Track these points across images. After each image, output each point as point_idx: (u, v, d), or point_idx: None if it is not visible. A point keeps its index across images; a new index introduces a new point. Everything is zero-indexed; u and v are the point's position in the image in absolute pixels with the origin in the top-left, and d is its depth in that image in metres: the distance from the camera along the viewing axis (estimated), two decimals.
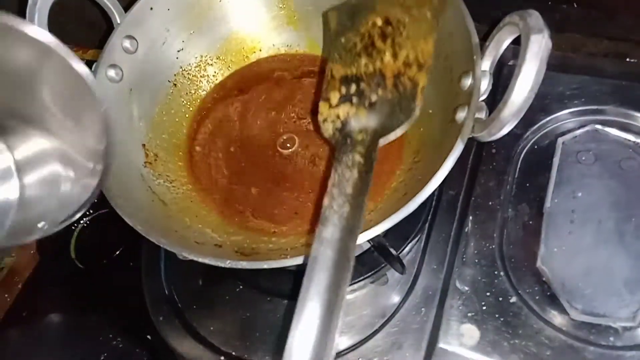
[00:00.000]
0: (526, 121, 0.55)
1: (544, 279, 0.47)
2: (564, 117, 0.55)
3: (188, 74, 0.55)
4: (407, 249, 0.52)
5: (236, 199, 0.50)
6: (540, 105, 0.55)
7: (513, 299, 0.47)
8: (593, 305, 0.45)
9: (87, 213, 0.67)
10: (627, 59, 0.60)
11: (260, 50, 0.57)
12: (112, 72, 0.48)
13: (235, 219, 0.48)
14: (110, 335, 0.57)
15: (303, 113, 0.54)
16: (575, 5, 0.63)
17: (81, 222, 0.67)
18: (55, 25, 0.46)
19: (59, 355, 0.57)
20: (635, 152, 0.51)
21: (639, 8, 0.60)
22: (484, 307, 0.47)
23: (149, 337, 0.57)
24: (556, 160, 0.52)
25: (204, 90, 0.55)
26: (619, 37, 0.62)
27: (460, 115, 0.41)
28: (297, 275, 0.53)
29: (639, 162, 0.50)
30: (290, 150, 0.52)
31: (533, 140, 0.55)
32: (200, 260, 0.38)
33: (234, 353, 0.50)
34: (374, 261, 0.51)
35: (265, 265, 0.38)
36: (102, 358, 0.56)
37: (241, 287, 0.53)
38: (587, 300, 0.45)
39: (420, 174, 0.43)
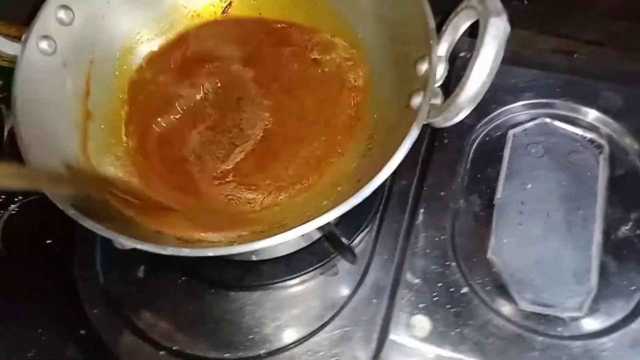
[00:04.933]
0: (478, 113, 0.54)
1: (494, 269, 0.47)
2: (514, 110, 0.55)
3: (130, 48, 0.51)
4: (357, 239, 0.51)
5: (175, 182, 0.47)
6: (492, 97, 0.55)
7: (464, 290, 0.47)
8: (542, 295, 0.45)
9: (16, 199, 0.62)
10: (575, 56, 0.61)
11: None
12: (44, 44, 0.44)
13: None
14: (40, 330, 0.52)
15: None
16: (526, 2, 0.64)
17: (9, 209, 0.62)
18: None
19: None
20: (582, 146, 0.52)
21: (587, 8, 0.62)
22: (435, 298, 0.46)
23: (82, 332, 0.53)
24: (507, 152, 0.52)
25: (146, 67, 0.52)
26: (567, 36, 0.63)
27: (416, 100, 0.40)
28: (243, 266, 0.50)
29: (586, 155, 0.51)
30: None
31: (484, 132, 0.55)
32: (139, 247, 0.35)
33: (174, 347, 0.47)
34: (324, 251, 0.50)
35: (211, 252, 0.35)
36: (29, 355, 0.51)
37: (183, 278, 0.50)
38: (536, 290, 0.45)
39: (374, 161, 0.42)
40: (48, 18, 0.44)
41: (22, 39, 0.43)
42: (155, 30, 0.53)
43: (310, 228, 0.36)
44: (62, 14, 0.45)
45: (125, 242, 0.36)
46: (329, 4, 0.51)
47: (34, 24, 0.44)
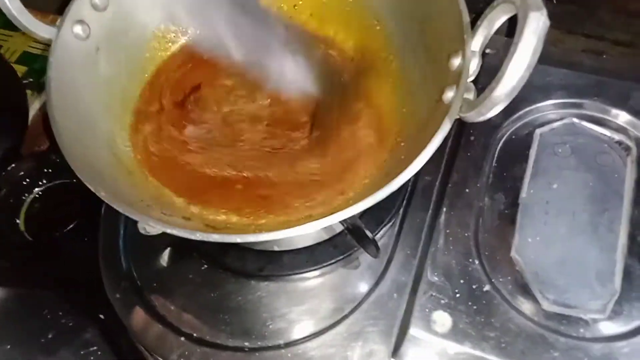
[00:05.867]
0: (505, 110, 0.53)
1: (517, 268, 0.47)
2: (542, 109, 0.55)
3: (163, 37, 0.51)
4: (380, 233, 0.50)
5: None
6: (520, 95, 0.53)
7: (486, 287, 0.46)
8: (565, 296, 0.45)
9: (40, 183, 0.63)
10: (605, 56, 0.60)
11: None
12: (78, 29, 0.45)
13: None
14: (60, 313, 0.53)
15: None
16: (554, 1, 0.63)
17: (33, 192, 0.62)
18: None
19: (2, 332, 0.53)
20: (610, 147, 0.51)
21: (616, 6, 0.61)
22: (457, 295, 0.46)
23: (101, 316, 0.53)
24: (533, 151, 0.52)
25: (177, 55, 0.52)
26: (596, 36, 0.63)
27: (448, 95, 0.40)
28: (265, 255, 0.50)
29: (613, 157, 0.51)
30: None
31: (511, 130, 0.54)
32: (169, 231, 0.35)
33: (195, 334, 0.47)
34: (345, 244, 0.50)
35: (239, 239, 0.35)
36: (49, 336, 0.52)
37: (206, 266, 0.50)
38: (559, 291, 0.45)
39: (404, 154, 0.41)
40: (83, 3, 0.45)
41: (57, 23, 0.43)
42: (188, 19, 0.53)
43: (337, 219, 0.36)
44: None
45: (155, 226, 0.36)
46: None
47: (69, 8, 0.44)
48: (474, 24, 0.40)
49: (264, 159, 0.48)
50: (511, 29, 0.36)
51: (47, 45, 0.43)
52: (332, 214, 0.36)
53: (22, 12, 0.42)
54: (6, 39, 0.81)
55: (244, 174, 0.47)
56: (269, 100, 0.50)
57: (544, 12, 0.33)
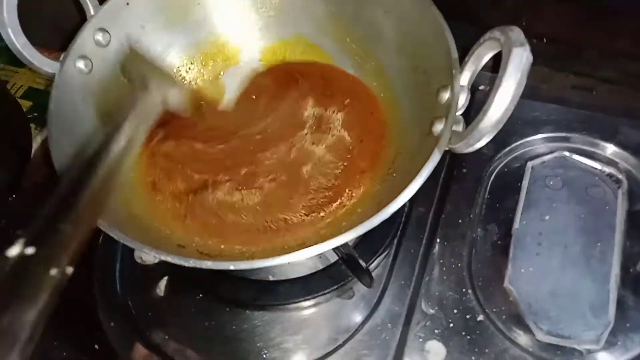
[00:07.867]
0: (497, 143, 0.55)
1: (511, 299, 0.47)
2: (534, 142, 0.56)
3: None
4: (374, 263, 0.51)
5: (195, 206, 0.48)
6: (512, 129, 0.56)
7: (480, 318, 0.47)
8: (558, 327, 0.45)
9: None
10: (593, 92, 0.62)
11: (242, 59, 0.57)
12: (81, 64, 0.47)
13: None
14: (55, 343, 0.53)
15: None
16: (545, 41, 0.65)
17: None
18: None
19: None
20: (601, 180, 0.52)
21: (602, 46, 0.63)
22: (451, 325, 0.46)
23: (96, 346, 0.53)
24: (525, 184, 0.53)
25: None
26: (584, 73, 0.64)
27: (438, 127, 0.41)
28: (259, 285, 0.51)
29: (604, 189, 0.52)
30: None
31: (503, 162, 0.55)
32: (163, 257, 0.36)
33: None
34: (340, 274, 0.50)
35: (232, 266, 0.36)
36: None
37: (200, 295, 0.51)
38: (552, 321, 0.45)
39: (395, 185, 0.42)
40: (86, 39, 0.47)
41: (61, 58, 0.45)
42: (185, 59, 0.55)
43: (329, 247, 0.36)
44: (99, 36, 0.48)
45: (150, 254, 0.36)
46: (355, 35, 0.53)
47: (72, 44, 0.46)
48: (462, 59, 0.41)
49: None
50: (496, 64, 0.37)
51: (51, 80, 0.45)
52: (324, 241, 0.36)
53: (27, 48, 0.44)
54: (12, 74, 0.83)
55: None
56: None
57: (527, 47, 0.35)
